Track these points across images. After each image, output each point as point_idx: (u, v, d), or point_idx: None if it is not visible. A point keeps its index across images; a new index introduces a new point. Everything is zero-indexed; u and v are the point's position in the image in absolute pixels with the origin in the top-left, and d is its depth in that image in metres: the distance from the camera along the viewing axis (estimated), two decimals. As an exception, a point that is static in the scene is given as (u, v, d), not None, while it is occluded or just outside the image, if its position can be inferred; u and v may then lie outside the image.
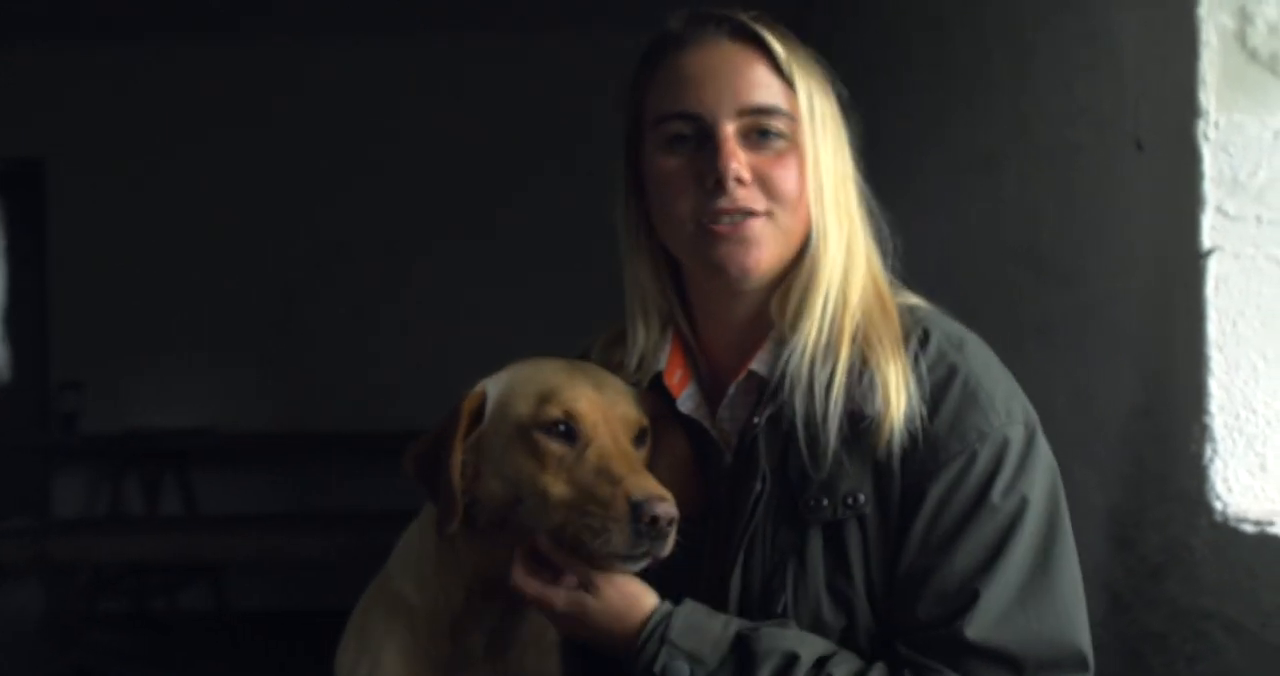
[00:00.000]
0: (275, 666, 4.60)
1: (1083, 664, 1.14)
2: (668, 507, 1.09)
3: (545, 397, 1.18)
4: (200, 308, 5.43)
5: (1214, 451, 1.57)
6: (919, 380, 1.16)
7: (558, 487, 1.13)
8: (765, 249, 1.19)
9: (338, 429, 5.37)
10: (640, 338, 1.29)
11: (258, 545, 4.17)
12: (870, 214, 1.27)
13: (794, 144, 1.20)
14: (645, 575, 1.16)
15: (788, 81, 1.19)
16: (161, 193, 5.43)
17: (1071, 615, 1.14)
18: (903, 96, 2.99)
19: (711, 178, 1.17)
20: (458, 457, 1.18)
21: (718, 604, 1.19)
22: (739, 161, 1.17)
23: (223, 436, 5.34)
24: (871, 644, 1.17)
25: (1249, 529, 1.51)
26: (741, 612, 1.19)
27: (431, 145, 5.41)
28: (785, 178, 1.19)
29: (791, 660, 1.11)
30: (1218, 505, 1.57)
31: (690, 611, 1.15)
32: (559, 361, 1.27)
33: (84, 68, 5.43)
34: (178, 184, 5.43)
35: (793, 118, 1.19)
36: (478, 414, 1.21)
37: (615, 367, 1.29)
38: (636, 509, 1.08)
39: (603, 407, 1.19)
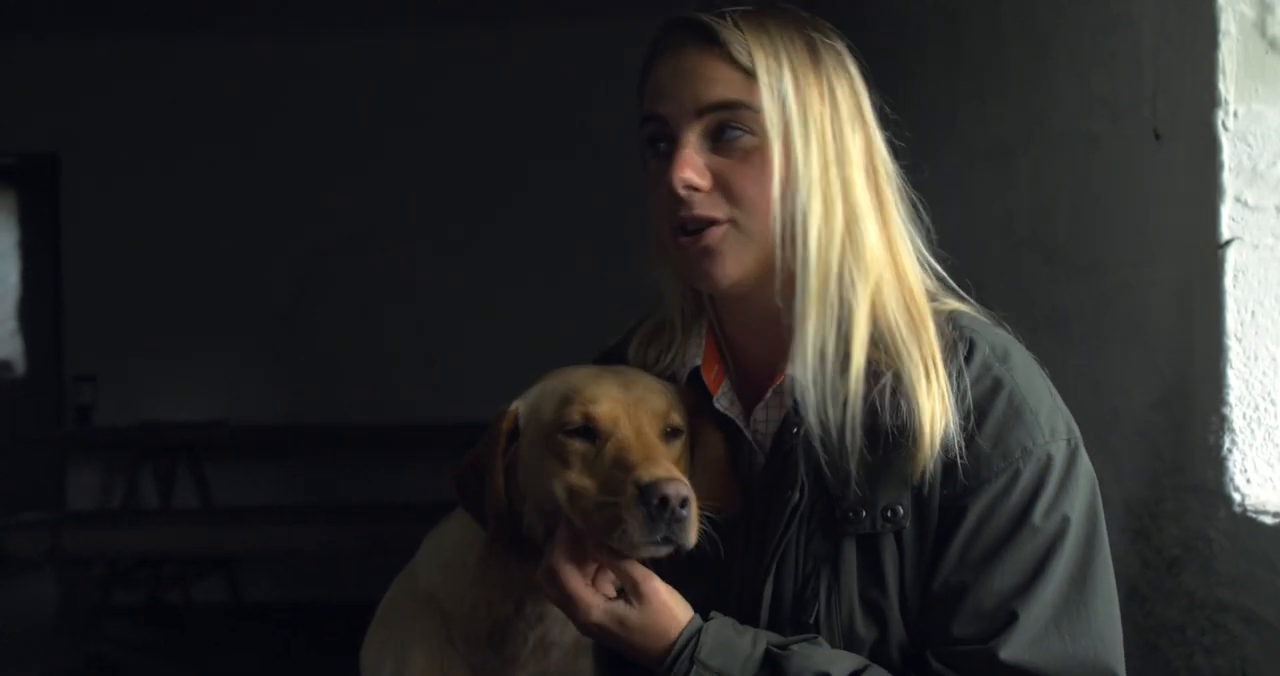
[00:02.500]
0: (289, 658, 4.63)
1: None
2: (677, 487, 1.05)
3: (566, 400, 1.17)
4: (212, 301, 5.46)
5: (1232, 442, 1.56)
6: (962, 395, 1.14)
7: (579, 482, 1.12)
8: (729, 259, 1.17)
9: (350, 421, 5.40)
10: (677, 330, 1.29)
11: (271, 537, 4.19)
12: (898, 203, 1.22)
13: (764, 139, 1.15)
14: (677, 578, 1.14)
15: (748, 73, 1.15)
16: (173, 187, 5.45)
17: (1105, 635, 1.13)
18: (916, 86, 2.98)
19: (666, 187, 1.16)
20: (500, 478, 1.18)
21: (748, 610, 1.17)
22: (693, 169, 1.15)
23: (235, 429, 5.37)
24: (903, 657, 1.15)
25: (1268, 520, 1.51)
26: (772, 621, 1.17)
27: (442, 139, 5.42)
28: (747, 181, 1.15)
29: None
30: (1236, 496, 1.56)
31: (719, 628, 1.12)
32: (590, 367, 1.25)
33: (97, 63, 5.45)
34: (189, 178, 5.45)
35: (757, 111, 1.14)
36: (513, 432, 1.21)
37: (651, 365, 1.28)
38: (645, 492, 1.05)
39: (625, 403, 1.16)
